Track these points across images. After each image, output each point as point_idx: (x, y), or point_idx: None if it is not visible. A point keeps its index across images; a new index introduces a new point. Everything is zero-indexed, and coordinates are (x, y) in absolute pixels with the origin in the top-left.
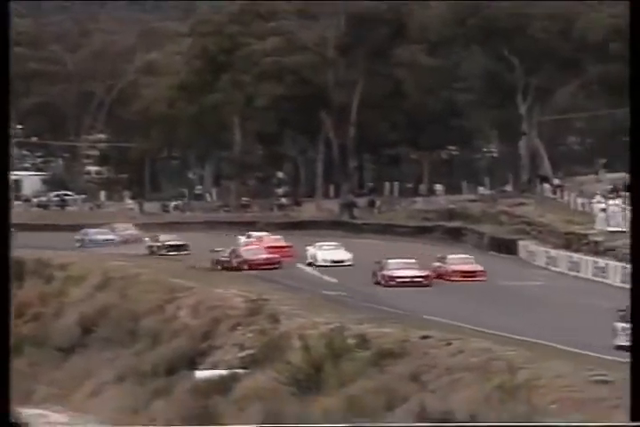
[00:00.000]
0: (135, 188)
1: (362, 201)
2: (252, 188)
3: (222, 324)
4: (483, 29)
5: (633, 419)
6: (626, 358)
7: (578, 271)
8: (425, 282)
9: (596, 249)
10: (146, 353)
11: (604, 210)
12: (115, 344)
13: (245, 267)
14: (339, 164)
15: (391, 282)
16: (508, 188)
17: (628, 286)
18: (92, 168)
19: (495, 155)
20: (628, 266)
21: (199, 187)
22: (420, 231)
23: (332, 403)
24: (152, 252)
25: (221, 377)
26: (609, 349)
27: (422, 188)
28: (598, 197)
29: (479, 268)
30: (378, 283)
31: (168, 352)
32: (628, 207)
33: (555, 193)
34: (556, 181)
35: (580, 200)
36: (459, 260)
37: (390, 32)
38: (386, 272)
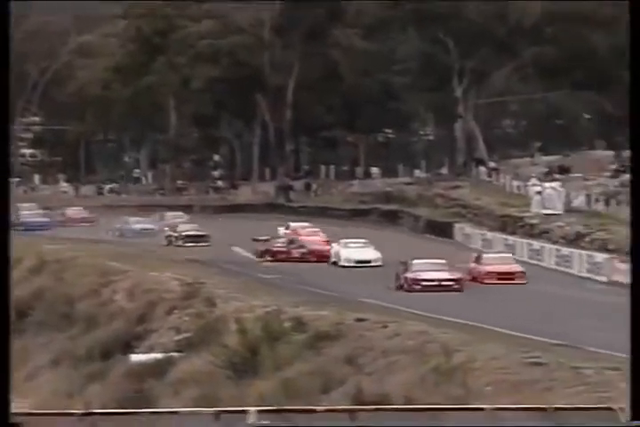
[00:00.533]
0: (70, 171)
1: (298, 184)
2: (188, 171)
3: (158, 307)
4: (418, 12)
5: (633, 419)
6: (559, 340)
7: (513, 254)
8: (456, 286)
9: (532, 232)
10: (81, 337)
11: (539, 193)
12: (49, 328)
13: (313, 258)
14: (275, 147)
15: (415, 286)
16: (444, 171)
17: (561, 268)
18: (26, 151)
19: (431, 138)
20: (563, 249)
21: (137, 170)
22: (357, 214)
23: (268, 386)
24: (170, 242)
25: (157, 361)
26: (544, 331)
27: (358, 171)
28: (534, 180)
29: (518, 269)
30: (401, 287)
31: (103, 336)
32: (563, 190)
33: (490, 176)
34: (492, 164)
35: (515, 183)
36: (496, 259)
37: (326, 14)
38: (410, 275)
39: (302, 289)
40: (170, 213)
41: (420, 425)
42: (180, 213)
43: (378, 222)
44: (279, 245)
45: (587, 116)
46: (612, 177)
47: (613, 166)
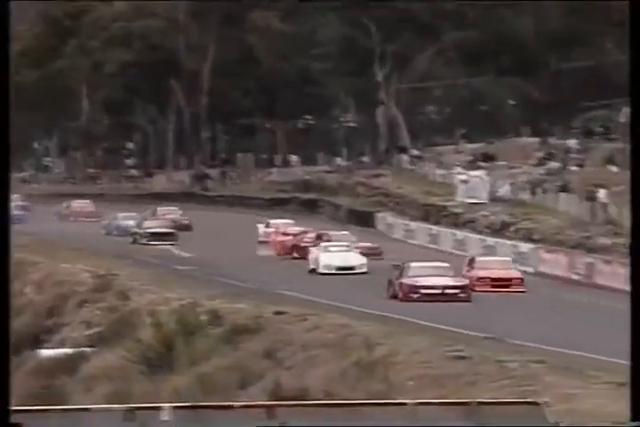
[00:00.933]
0: None
1: (214, 172)
2: (101, 158)
3: (69, 300)
4: None
5: (633, 419)
6: (483, 333)
7: (437, 244)
8: (462, 294)
9: (456, 221)
10: None
11: (463, 181)
12: None
13: None
14: (190, 133)
15: (412, 294)
16: (366, 158)
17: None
18: None
19: (352, 124)
20: (488, 239)
21: (48, 158)
22: (275, 203)
23: (184, 381)
24: (134, 240)
25: (67, 356)
26: (468, 325)
27: (277, 158)
28: (458, 168)
29: (516, 275)
30: (395, 296)
31: (11, 330)
32: (488, 178)
33: (413, 164)
34: (415, 152)
35: (439, 171)
36: (490, 263)
37: None
38: (406, 280)
39: (219, 281)
40: (163, 208)
41: (340, 420)
42: (174, 208)
43: (297, 212)
44: (307, 240)
45: (512, 103)
46: (538, 165)
47: (539, 154)
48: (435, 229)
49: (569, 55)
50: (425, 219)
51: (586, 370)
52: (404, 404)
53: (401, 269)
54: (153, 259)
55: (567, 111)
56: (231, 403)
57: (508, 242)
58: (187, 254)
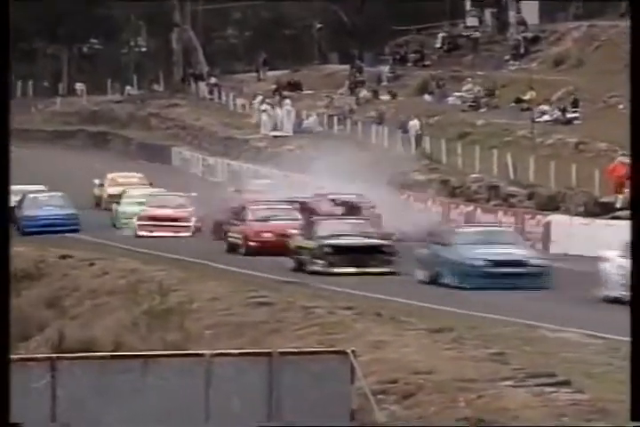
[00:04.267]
0: None
1: None
2: None
3: None
4: None
5: (633, 419)
6: (288, 277)
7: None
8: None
9: (258, 156)
10: None
11: (266, 112)
12: None
13: None
14: None
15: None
16: (159, 87)
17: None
18: None
19: (144, 49)
20: (295, 175)
21: None
22: (60, 137)
23: None
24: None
25: None
26: (274, 268)
27: (61, 87)
28: (260, 98)
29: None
30: None
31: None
32: (293, 109)
33: (211, 93)
34: (213, 80)
35: (239, 101)
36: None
37: None
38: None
39: None
40: None
41: (132, 373)
42: None
43: (84, 146)
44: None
45: (318, 26)
46: (347, 94)
47: (348, 82)
48: (235, 164)
49: None
50: (225, 154)
51: (398, 316)
52: (201, 355)
53: None
54: None
55: (379, 36)
56: (10, 356)
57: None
58: None
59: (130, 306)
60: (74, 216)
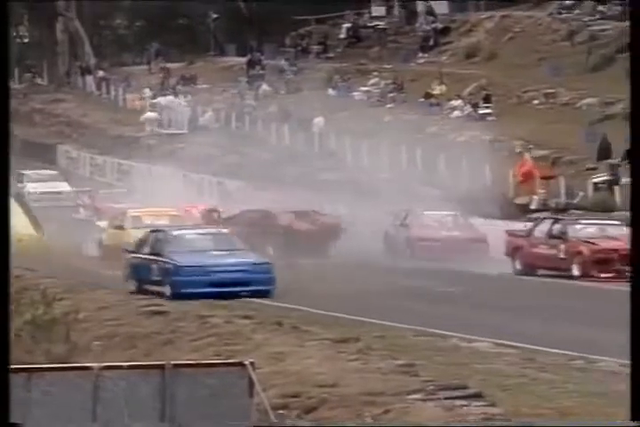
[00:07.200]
0: None
1: None
2: None
3: None
4: None
5: (633, 419)
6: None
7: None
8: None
9: (150, 154)
10: None
11: (158, 107)
12: None
13: None
14: None
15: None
16: (43, 81)
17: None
18: None
19: (25, 40)
20: (198, 176)
21: None
22: None
23: None
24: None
25: None
26: None
27: None
28: (151, 92)
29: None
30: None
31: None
32: (187, 104)
33: (99, 87)
34: (101, 73)
35: (130, 96)
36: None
37: None
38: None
39: None
40: None
41: (16, 387)
42: None
43: None
44: None
45: (214, 15)
46: (245, 89)
47: (246, 76)
48: (126, 164)
49: None
50: (114, 152)
51: (301, 325)
52: (89, 368)
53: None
54: None
55: (279, 27)
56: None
57: (214, 179)
58: None
59: (11, 316)
60: None
